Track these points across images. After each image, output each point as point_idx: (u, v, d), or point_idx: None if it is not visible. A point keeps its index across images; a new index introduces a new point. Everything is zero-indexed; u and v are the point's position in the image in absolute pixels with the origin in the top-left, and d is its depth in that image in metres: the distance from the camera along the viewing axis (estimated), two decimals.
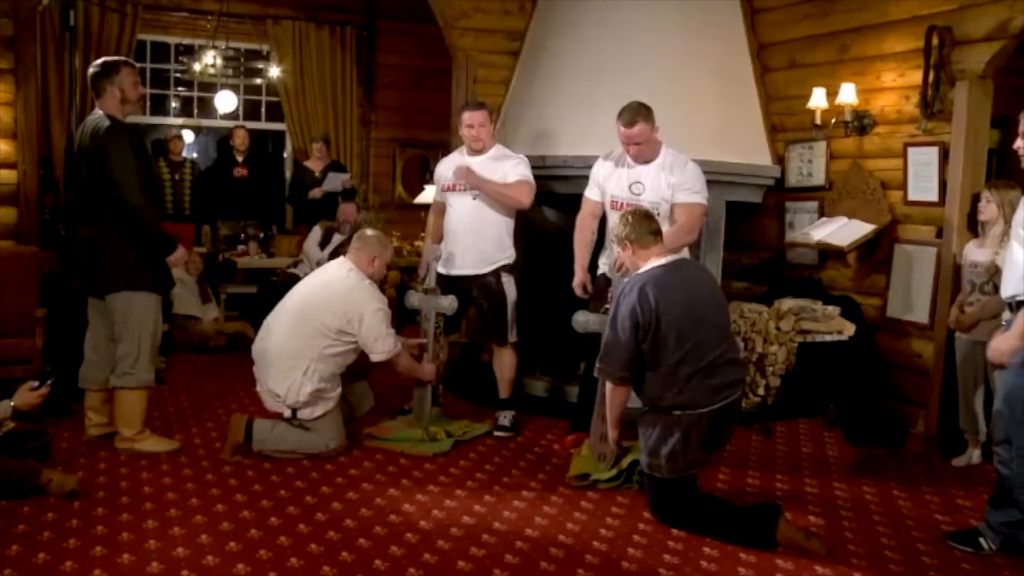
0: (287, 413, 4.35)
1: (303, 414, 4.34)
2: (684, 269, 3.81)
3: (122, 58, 4.55)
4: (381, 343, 4.39)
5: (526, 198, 4.89)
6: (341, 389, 4.48)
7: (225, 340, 6.97)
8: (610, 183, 4.62)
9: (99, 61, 4.36)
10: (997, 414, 3.51)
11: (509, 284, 4.97)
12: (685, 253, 4.48)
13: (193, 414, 5.17)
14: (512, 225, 5.01)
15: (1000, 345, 3.41)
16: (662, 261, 3.70)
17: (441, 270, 5.02)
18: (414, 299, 5.02)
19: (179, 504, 3.75)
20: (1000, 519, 3.49)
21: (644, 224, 3.75)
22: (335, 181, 7.57)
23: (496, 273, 4.94)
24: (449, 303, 4.89)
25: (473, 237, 4.91)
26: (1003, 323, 3.56)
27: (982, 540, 3.53)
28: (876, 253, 5.25)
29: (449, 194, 5.00)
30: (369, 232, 4.73)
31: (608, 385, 3.79)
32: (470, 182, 4.85)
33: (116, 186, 4.12)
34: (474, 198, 4.91)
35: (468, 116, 4.90)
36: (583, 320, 4.49)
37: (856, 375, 5.20)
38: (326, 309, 4.35)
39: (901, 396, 5.11)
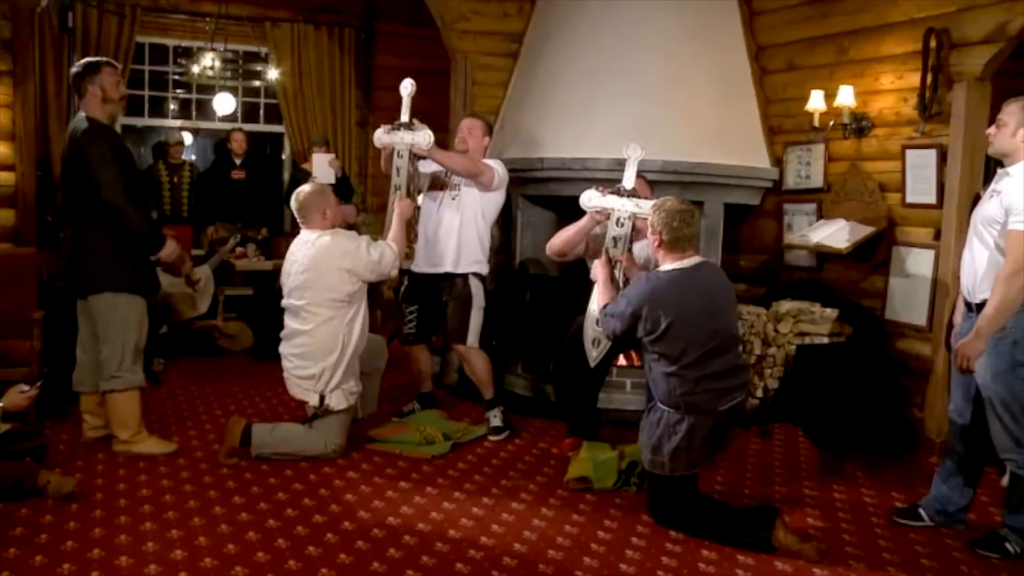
0: (314, 401, 4.35)
1: (330, 400, 4.34)
2: (705, 272, 3.73)
3: (104, 58, 4.50)
4: (385, 264, 4.39)
5: (484, 172, 4.81)
6: (361, 388, 4.54)
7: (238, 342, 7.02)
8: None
9: (81, 62, 4.34)
10: (996, 422, 3.48)
11: (477, 289, 4.95)
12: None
13: (191, 416, 5.17)
14: (488, 236, 5.01)
15: (967, 350, 3.41)
16: (684, 264, 3.67)
17: (414, 268, 5.04)
18: (384, 138, 4.74)
19: (177, 506, 3.75)
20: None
21: (684, 228, 3.63)
22: (323, 167, 7.12)
23: (465, 276, 4.94)
24: (424, 137, 4.68)
25: (448, 236, 4.91)
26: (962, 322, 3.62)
27: (1008, 545, 3.53)
28: (874, 255, 5.24)
29: (428, 195, 5.03)
30: (303, 194, 4.44)
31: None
32: (418, 152, 4.73)
33: (98, 187, 4.09)
34: (453, 198, 4.93)
35: (461, 122, 5.00)
36: (589, 196, 4.35)
37: (855, 377, 5.19)
38: (328, 285, 4.32)
39: (901, 399, 5.10)
